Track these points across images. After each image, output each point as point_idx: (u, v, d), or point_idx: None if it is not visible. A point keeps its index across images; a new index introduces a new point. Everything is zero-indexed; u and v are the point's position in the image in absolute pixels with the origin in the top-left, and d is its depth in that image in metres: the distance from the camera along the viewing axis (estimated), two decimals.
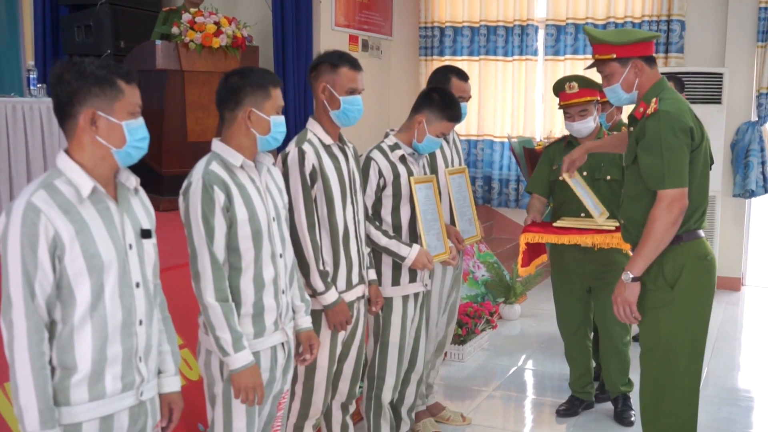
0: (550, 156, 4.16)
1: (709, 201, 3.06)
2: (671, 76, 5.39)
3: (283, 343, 2.63)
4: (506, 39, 7.87)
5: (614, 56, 2.97)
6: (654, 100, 2.89)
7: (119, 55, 6.90)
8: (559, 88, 4.01)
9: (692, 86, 6.67)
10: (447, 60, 8.08)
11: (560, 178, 3.77)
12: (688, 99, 6.41)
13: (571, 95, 3.93)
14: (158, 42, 5.92)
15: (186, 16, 5.96)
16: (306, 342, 2.76)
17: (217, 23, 6.03)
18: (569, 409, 4.30)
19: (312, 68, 3.07)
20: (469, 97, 3.97)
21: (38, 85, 5.36)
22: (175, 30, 5.93)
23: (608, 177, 3.92)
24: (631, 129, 3.04)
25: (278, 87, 2.54)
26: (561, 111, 4.88)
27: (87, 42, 7.15)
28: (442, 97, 3.44)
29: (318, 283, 2.95)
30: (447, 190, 3.67)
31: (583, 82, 3.92)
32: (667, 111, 2.84)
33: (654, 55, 3.03)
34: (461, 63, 7.91)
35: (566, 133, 4.19)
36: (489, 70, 7.92)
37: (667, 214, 2.83)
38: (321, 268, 2.96)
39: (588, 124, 3.95)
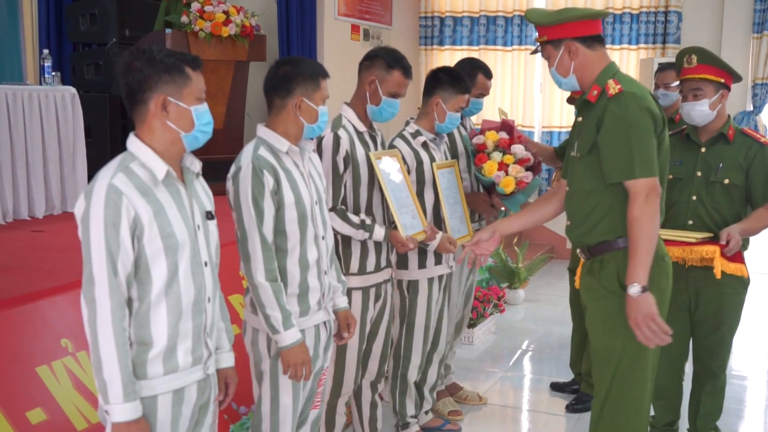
0: None
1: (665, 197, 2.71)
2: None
3: (325, 322, 2.73)
4: (505, 29, 7.99)
5: (545, 38, 2.71)
6: (613, 80, 2.61)
7: (124, 43, 6.93)
8: (679, 62, 3.35)
9: None
10: (446, 49, 8.20)
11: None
12: None
13: (687, 69, 3.28)
14: (168, 30, 5.98)
15: (195, 5, 6.02)
16: (344, 321, 2.86)
17: (225, 12, 6.11)
18: None
19: (368, 57, 3.17)
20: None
21: (53, 74, 5.40)
22: (184, 19, 6.00)
23: (726, 180, 3.27)
24: (579, 119, 2.76)
25: (327, 78, 2.64)
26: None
27: (92, 30, 7.17)
28: (450, 75, 3.57)
29: (357, 222, 3.13)
30: (436, 186, 3.56)
31: (704, 57, 3.25)
32: (632, 93, 2.57)
33: (600, 34, 2.73)
34: (461, 53, 8.03)
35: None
36: (488, 60, 7.99)
37: (648, 207, 2.53)
38: (356, 220, 3.13)
39: (700, 108, 3.23)
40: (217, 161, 4.29)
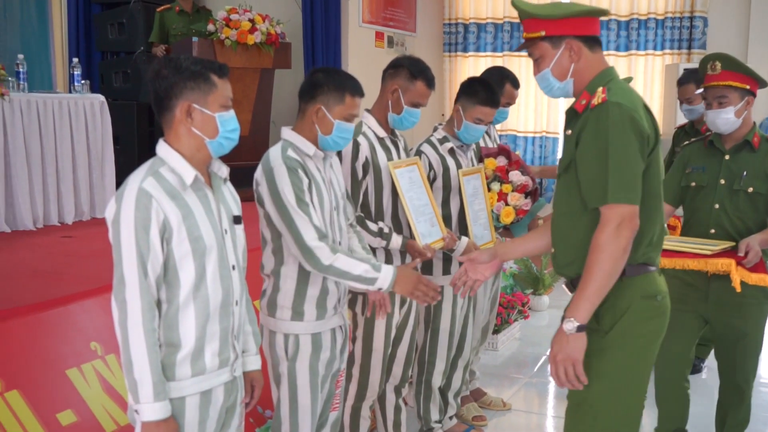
0: (686, 157, 3.43)
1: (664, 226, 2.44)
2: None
3: (340, 326, 2.75)
4: None
5: (543, 34, 2.33)
6: (601, 89, 2.24)
7: (151, 52, 7.05)
8: (702, 68, 3.26)
9: None
10: (470, 56, 8.21)
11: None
12: None
13: (711, 76, 3.19)
14: (195, 39, 6.07)
15: (221, 14, 6.12)
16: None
17: (251, 20, 6.19)
18: None
19: (392, 66, 3.20)
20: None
21: (82, 82, 5.50)
22: (211, 27, 6.09)
23: (750, 189, 3.19)
24: (569, 132, 2.35)
25: (356, 96, 2.63)
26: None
27: (120, 39, 7.31)
28: (472, 85, 3.56)
29: (374, 230, 3.13)
30: (460, 191, 3.55)
31: (729, 64, 3.17)
32: (618, 103, 2.19)
33: (599, 36, 2.39)
34: (485, 59, 8.05)
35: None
36: (512, 66, 7.99)
37: (615, 239, 2.15)
38: (374, 228, 3.14)
39: (725, 116, 3.16)
40: (242, 167, 4.33)
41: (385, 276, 2.53)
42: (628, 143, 2.18)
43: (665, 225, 2.41)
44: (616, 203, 2.16)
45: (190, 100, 2.07)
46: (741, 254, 3.07)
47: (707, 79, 3.23)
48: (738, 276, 3.08)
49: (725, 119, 3.18)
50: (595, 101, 2.23)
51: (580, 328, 2.18)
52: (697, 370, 4.87)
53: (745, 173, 3.22)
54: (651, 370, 2.39)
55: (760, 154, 3.23)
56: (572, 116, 2.34)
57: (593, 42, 2.35)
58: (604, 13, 2.44)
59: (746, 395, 3.38)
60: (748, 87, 3.17)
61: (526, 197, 3.70)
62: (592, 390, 2.27)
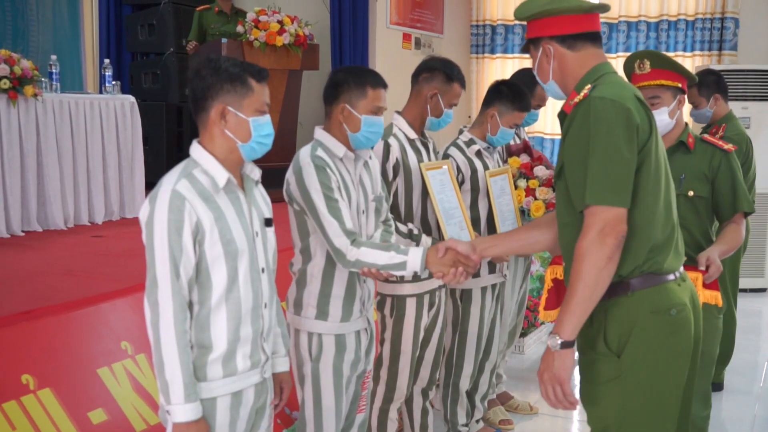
0: None
1: (676, 227, 2.23)
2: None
3: (365, 329, 2.74)
4: None
5: (525, 36, 2.25)
6: (588, 86, 2.09)
7: (181, 53, 7.11)
8: (629, 68, 3.05)
9: (746, 83, 6.70)
10: (498, 57, 8.18)
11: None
12: (742, 96, 6.51)
13: (640, 76, 3.00)
14: (224, 40, 6.12)
15: (251, 15, 6.15)
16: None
17: (280, 22, 6.21)
18: None
19: (426, 70, 3.21)
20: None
21: (113, 82, 5.56)
22: (240, 29, 6.12)
23: (690, 192, 3.02)
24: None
25: (379, 88, 2.62)
26: None
27: (150, 40, 7.38)
28: (511, 89, 3.54)
29: (404, 232, 3.10)
30: (488, 193, 3.53)
31: (659, 61, 2.97)
32: (600, 97, 2.02)
33: (593, 31, 2.20)
34: (512, 61, 8.02)
35: None
36: None
37: (598, 247, 1.97)
38: (403, 230, 3.11)
39: (660, 117, 2.92)
40: (269, 169, 4.34)
41: (414, 259, 2.50)
42: (612, 138, 2.00)
43: (676, 223, 2.22)
44: (597, 205, 1.99)
45: (225, 103, 2.08)
46: (702, 268, 2.87)
47: (635, 79, 3.01)
48: (701, 293, 2.81)
49: (660, 120, 2.89)
50: (577, 99, 2.08)
51: (564, 345, 2.02)
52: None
53: (683, 176, 3.02)
54: (679, 391, 2.17)
55: (697, 155, 3.06)
56: (563, 119, 2.18)
57: (574, 40, 2.18)
58: (590, 9, 2.19)
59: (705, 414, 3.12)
60: (679, 85, 2.99)
61: (553, 190, 3.69)
62: (612, 417, 2.12)
